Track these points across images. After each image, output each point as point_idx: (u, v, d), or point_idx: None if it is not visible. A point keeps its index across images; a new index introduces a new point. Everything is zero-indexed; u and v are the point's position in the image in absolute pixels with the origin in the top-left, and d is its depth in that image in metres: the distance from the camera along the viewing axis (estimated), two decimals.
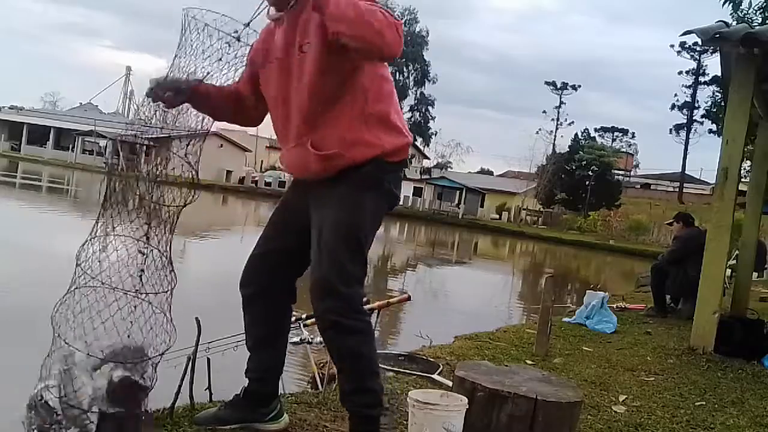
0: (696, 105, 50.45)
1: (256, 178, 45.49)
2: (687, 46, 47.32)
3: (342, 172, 2.12)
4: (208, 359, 3.21)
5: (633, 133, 62.92)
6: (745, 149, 5.91)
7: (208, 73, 2.04)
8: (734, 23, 8.10)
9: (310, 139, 2.11)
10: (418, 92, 42.75)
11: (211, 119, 2.23)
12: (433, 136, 44.45)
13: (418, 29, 42.97)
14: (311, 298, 2.15)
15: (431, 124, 43.47)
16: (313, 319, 3.90)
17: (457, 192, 47.04)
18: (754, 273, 9.03)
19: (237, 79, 2.19)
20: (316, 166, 2.12)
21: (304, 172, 2.21)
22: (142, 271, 2.03)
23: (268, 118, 2.35)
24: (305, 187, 2.26)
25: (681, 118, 53.21)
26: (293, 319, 4.02)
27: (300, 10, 2.07)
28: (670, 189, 59.11)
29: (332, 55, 2.02)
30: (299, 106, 2.12)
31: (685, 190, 54.95)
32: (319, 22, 1.98)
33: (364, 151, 2.11)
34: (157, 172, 2.03)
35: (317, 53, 2.04)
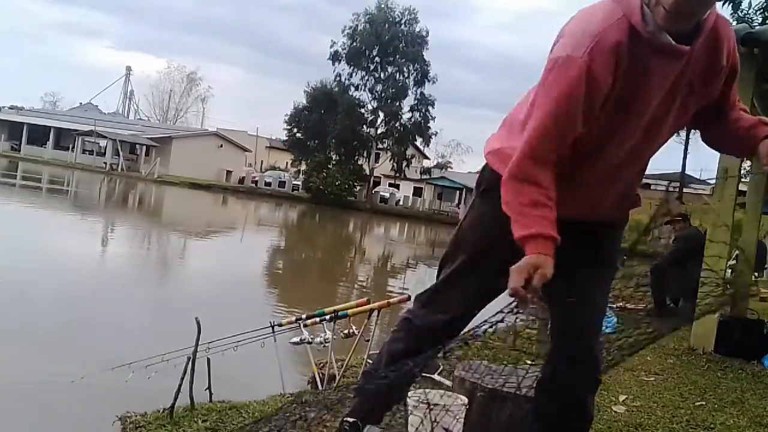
0: None
1: (256, 178, 45.48)
2: None
3: None
4: (208, 359, 3.21)
5: None
6: None
7: None
8: (734, 23, 8.10)
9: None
10: (418, 92, 42.75)
11: None
12: (433, 137, 44.49)
13: (418, 29, 42.92)
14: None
15: (431, 124, 43.50)
16: (313, 319, 3.92)
17: (457, 192, 47.01)
18: (754, 273, 9.02)
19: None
20: None
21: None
22: None
23: None
24: None
25: None
26: (293, 319, 4.04)
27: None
28: (671, 189, 59.07)
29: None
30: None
31: (685, 190, 54.93)
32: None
33: None
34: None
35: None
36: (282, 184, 44.52)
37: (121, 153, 44.19)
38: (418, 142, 44.98)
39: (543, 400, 2.04)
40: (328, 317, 3.84)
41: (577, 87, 1.62)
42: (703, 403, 3.81)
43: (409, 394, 2.35)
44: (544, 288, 1.70)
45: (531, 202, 1.69)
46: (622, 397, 3.68)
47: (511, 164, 1.74)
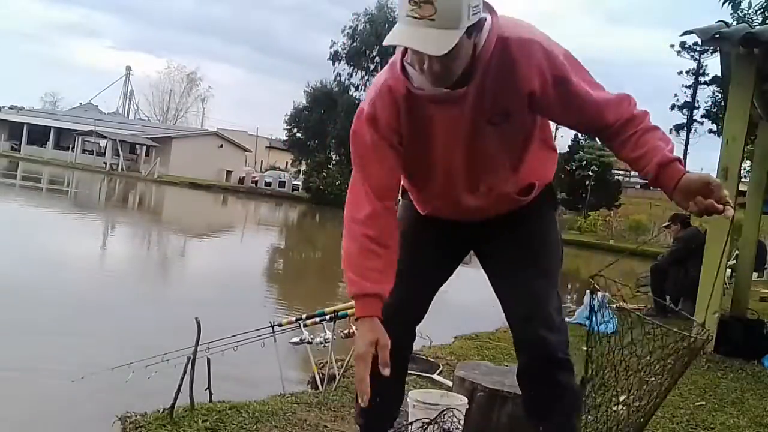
0: (696, 105, 50.42)
1: (256, 178, 45.46)
2: (687, 46, 47.27)
3: None
4: (208, 359, 3.21)
5: None
6: (745, 149, 5.91)
7: None
8: (734, 23, 8.11)
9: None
10: None
11: None
12: None
13: None
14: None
15: None
16: (313, 319, 3.92)
17: None
18: (754, 273, 9.02)
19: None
20: None
21: None
22: None
23: None
24: None
25: (681, 118, 53.19)
26: (293, 319, 4.04)
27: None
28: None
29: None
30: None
31: None
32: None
33: None
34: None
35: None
36: (282, 184, 44.50)
37: (121, 153, 44.18)
38: None
39: (524, 393, 2.08)
40: (328, 317, 3.84)
41: (364, 133, 1.83)
42: (703, 403, 3.81)
43: (410, 394, 2.35)
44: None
45: (358, 249, 1.82)
46: (622, 397, 3.68)
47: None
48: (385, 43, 1.63)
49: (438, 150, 1.86)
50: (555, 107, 1.81)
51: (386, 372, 1.70)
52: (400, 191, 2.01)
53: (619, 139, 1.79)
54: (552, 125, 2.07)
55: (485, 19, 1.67)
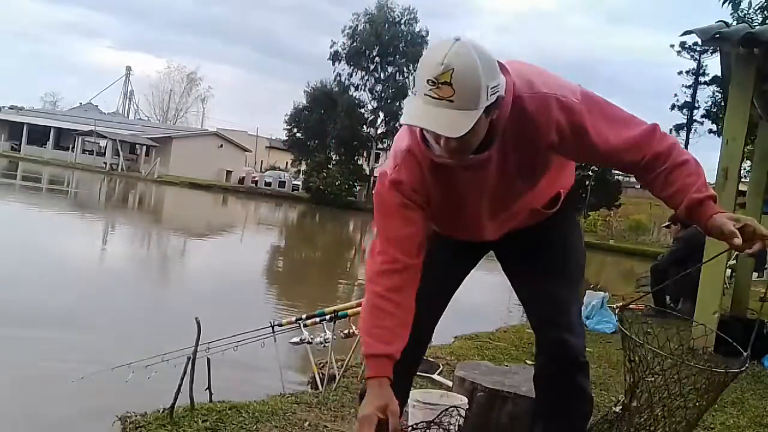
0: (696, 105, 50.36)
1: (256, 178, 45.45)
2: (687, 46, 47.19)
3: None
4: (208, 359, 3.21)
5: None
6: (745, 149, 5.91)
7: None
8: (734, 23, 8.11)
9: None
10: None
11: None
12: None
13: (418, 29, 42.97)
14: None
15: None
16: (313, 319, 3.92)
17: None
18: (754, 273, 9.03)
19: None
20: None
21: None
22: None
23: None
24: None
25: (681, 118, 53.11)
26: (293, 319, 4.04)
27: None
28: None
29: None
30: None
31: None
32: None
33: None
34: None
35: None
36: (282, 184, 44.48)
37: (121, 153, 44.17)
38: None
39: (539, 394, 2.09)
40: (328, 317, 3.84)
41: (388, 196, 1.84)
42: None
43: (410, 393, 2.35)
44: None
45: (370, 309, 1.84)
46: (621, 397, 3.68)
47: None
48: (402, 122, 1.64)
49: (467, 202, 1.88)
50: (576, 153, 1.86)
51: None
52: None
53: (649, 176, 1.77)
54: None
55: (503, 97, 1.64)
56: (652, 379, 1.92)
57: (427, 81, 1.55)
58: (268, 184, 44.48)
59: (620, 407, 2.15)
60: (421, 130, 1.74)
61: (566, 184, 2.05)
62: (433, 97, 1.55)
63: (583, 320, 2.07)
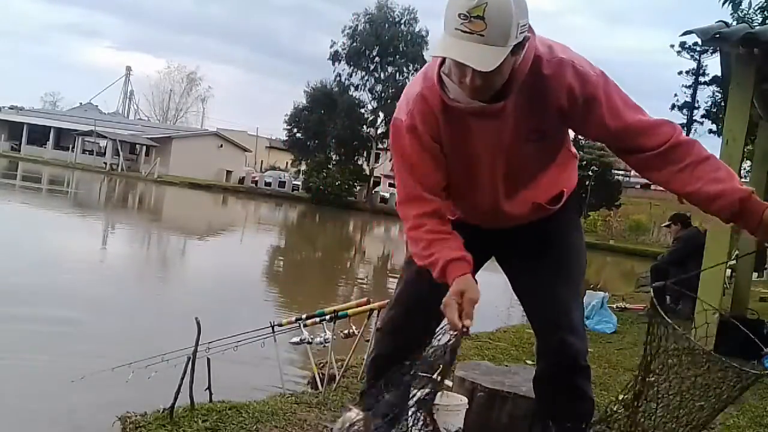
0: (696, 105, 50.38)
1: (256, 178, 45.44)
2: (687, 46, 47.19)
3: None
4: (208, 359, 3.22)
5: None
6: (745, 149, 5.91)
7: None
8: (734, 23, 8.10)
9: None
10: None
11: None
12: None
13: (418, 29, 42.91)
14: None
15: None
16: (313, 319, 3.92)
17: None
18: (754, 273, 9.03)
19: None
20: None
21: None
22: None
23: None
24: None
25: (681, 118, 53.09)
26: (293, 319, 4.04)
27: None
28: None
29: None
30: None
31: None
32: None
33: None
34: None
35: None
36: (282, 184, 44.47)
37: (121, 153, 44.15)
38: None
39: (540, 396, 2.09)
40: (328, 317, 3.84)
41: (407, 143, 1.84)
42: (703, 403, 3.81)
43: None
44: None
45: (427, 244, 1.84)
46: (621, 397, 3.68)
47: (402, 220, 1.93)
48: (432, 54, 1.65)
49: (480, 160, 1.87)
50: (584, 126, 1.82)
51: (467, 323, 1.70)
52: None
53: (667, 169, 1.70)
54: (571, 133, 2.06)
55: (528, 38, 1.65)
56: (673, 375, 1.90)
57: (459, 15, 1.56)
58: (268, 184, 44.47)
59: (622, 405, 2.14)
60: (439, 73, 1.76)
61: (569, 185, 2.05)
62: (464, 31, 1.56)
63: (584, 323, 2.06)
